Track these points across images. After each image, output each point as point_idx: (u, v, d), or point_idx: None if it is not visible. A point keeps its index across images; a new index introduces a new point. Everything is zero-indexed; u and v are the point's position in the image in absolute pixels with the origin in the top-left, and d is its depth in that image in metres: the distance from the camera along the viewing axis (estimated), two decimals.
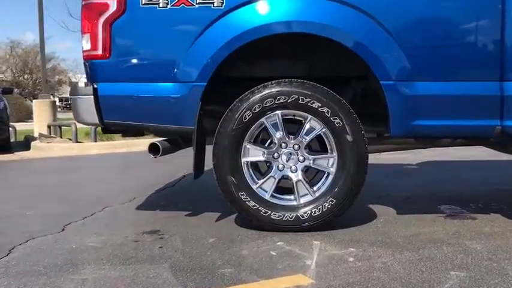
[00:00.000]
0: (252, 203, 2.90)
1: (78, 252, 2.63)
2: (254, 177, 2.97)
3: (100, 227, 3.19)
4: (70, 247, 2.72)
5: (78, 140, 9.52)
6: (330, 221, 2.92)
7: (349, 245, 2.65)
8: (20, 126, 14.65)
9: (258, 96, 2.87)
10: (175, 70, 2.91)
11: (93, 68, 3.00)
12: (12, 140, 10.61)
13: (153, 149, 3.04)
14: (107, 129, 3.33)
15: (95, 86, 3.00)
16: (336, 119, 2.85)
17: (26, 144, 10.39)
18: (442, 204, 3.57)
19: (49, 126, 12.22)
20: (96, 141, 9.35)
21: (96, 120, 3.04)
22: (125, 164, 6.87)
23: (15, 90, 28.09)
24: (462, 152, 6.46)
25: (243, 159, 2.93)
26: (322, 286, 2.08)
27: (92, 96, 2.99)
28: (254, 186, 2.94)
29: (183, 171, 5.17)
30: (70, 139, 9.67)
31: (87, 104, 3.02)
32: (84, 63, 3.08)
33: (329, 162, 2.93)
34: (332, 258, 2.45)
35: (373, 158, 5.98)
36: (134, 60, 2.98)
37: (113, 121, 3.06)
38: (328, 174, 2.93)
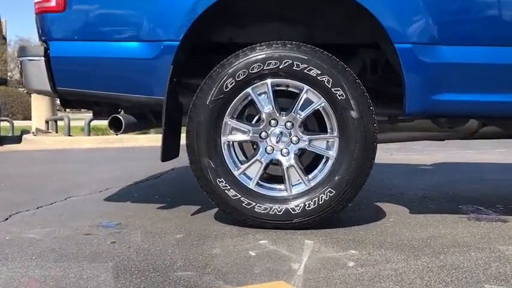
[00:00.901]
0: (232, 193, 2.34)
1: (7, 244, 2.09)
2: (236, 161, 2.42)
3: (51, 217, 2.65)
4: (3, 238, 2.19)
5: (72, 134, 9.05)
6: (328, 217, 2.36)
7: (350, 246, 2.09)
8: (25, 123, 14.31)
9: (243, 60, 2.32)
10: (143, 26, 2.38)
11: (44, 23, 2.46)
12: (10, 134, 10.28)
13: (114, 123, 2.50)
14: (64, 100, 2.79)
15: (47, 45, 2.47)
16: (339, 90, 2.28)
17: (20, 138, 9.97)
18: (463, 205, 2.99)
19: (47, 122, 11.76)
20: (89, 135, 8.87)
21: (47, 87, 2.49)
22: (113, 157, 6.33)
23: (21, 89, 27.87)
24: (482, 155, 5.90)
25: (223, 138, 2.38)
26: None
27: (43, 58, 2.46)
28: (236, 172, 2.38)
29: (176, 164, 4.62)
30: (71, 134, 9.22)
31: (36, 68, 2.48)
32: (35, 19, 2.55)
33: (329, 144, 2.37)
34: (327, 261, 1.88)
35: (385, 158, 5.55)
36: (94, 14, 2.44)
37: (67, 89, 2.51)
38: (328, 158, 2.36)
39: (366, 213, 2.76)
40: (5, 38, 33.83)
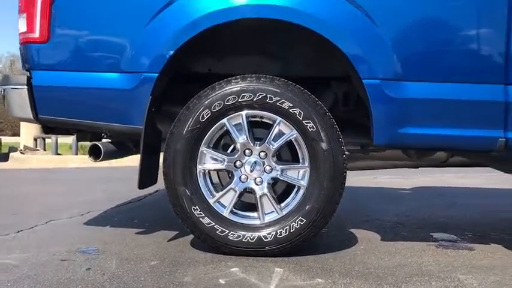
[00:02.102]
0: (206, 220, 2.42)
1: None
2: (212, 189, 2.50)
3: (31, 242, 2.71)
4: None
5: (60, 153, 9.09)
6: (299, 245, 2.44)
7: (317, 274, 2.16)
8: (14, 140, 14.32)
9: (219, 92, 2.42)
10: (123, 58, 2.47)
11: (28, 53, 2.54)
12: None
13: (94, 150, 2.58)
14: (47, 127, 2.87)
15: (30, 74, 2.56)
16: (310, 122, 2.38)
17: (7, 156, 10.00)
18: (435, 232, 3.09)
19: (35, 139, 11.80)
20: (77, 154, 8.91)
21: (29, 115, 2.57)
22: (99, 178, 6.38)
23: None
24: (460, 179, 6.03)
25: (199, 167, 2.46)
26: None
27: (26, 87, 2.55)
28: (211, 200, 2.46)
29: (160, 186, 4.69)
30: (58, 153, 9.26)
31: (19, 96, 2.56)
32: (20, 49, 2.64)
33: (300, 174, 2.46)
34: None
35: (368, 182, 5.65)
36: (76, 46, 2.53)
37: (49, 117, 2.59)
38: (299, 188, 2.46)
39: (338, 240, 2.84)
40: None
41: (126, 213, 3.63)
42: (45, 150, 10.59)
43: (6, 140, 15.00)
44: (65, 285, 1.96)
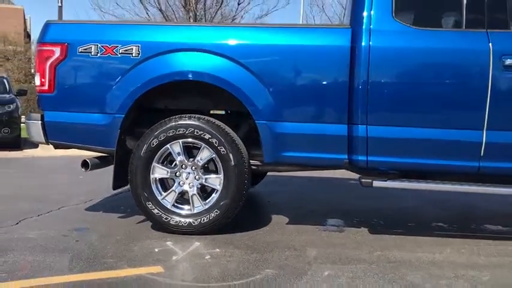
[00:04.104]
0: (156, 211, 3.72)
1: (14, 241, 3.49)
2: (161, 190, 3.79)
3: (46, 223, 4.05)
4: (12, 237, 3.59)
5: None
6: (216, 228, 3.70)
7: (219, 246, 3.44)
8: None
9: (163, 127, 3.69)
10: (102, 104, 3.75)
11: (41, 99, 3.87)
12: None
13: (84, 164, 3.89)
14: (55, 145, 4.19)
15: (43, 113, 3.87)
16: (222, 147, 3.64)
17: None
18: (331, 218, 4.32)
19: None
20: None
21: (43, 140, 3.91)
22: (106, 170, 7.73)
23: None
24: None
25: (152, 176, 3.75)
26: (165, 275, 2.88)
27: (40, 121, 3.87)
28: (159, 198, 3.75)
29: None
30: None
31: (36, 127, 3.90)
32: (36, 96, 3.95)
33: (217, 181, 3.72)
34: (196, 255, 3.26)
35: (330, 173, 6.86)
36: (72, 96, 3.83)
37: (55, 141, 3.94)
38: (217, 190, 3.72)
39: (258, 223, 4.08)
40: (29, 36, 35.03)
41: (116, 201, 4.95)
42: None
43: None
44: (60, 251, 3.29)
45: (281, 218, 4.29)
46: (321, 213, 4.54)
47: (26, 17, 36.32)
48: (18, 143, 10.20)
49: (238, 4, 18.12)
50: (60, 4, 14.97)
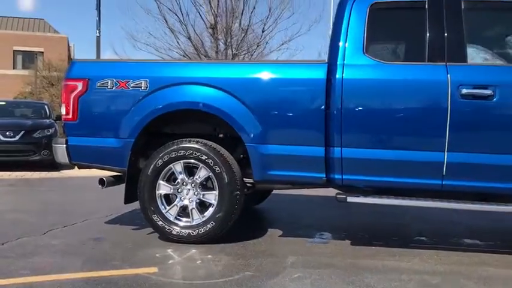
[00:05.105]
0: (160, 223, 4.29)
1: (40, 247, 4.11)
2: (165, 205, 4.36)
3: (70, 233, 4.68)
4: (39, 244, 4.22)
5: None
6: (212, 238, 4.22)
7: (212, 253, 3.96)
8: None
9: (167, 150, 4.28)
10: (116, 130, 4.38)
11: (66, 126, 4.54)
12: None
13: (101, 182, 4.52)
14: (78, 166, 4.84)
15: (67, 138, 4.54)
16: (217, 167, 4.19)
17: None
18: (319, 232, 4.78)
19: None
20: None
21: (67, 161, 4.57)
22: None
23: None
24: None
25: (157, 192, 4.33)
26: (158, 274, 3.42)
27: (65, 145, 4.53)
28: (164, 211, 4.32)
29: None
30: None
31: (61, 150, 4.56)
32: (62, 123, 4.62)
33: (213, 197, 4.26)
34: (190, 259, 3.79)
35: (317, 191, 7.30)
36: (92, 123, 4.48)
37: (78, 162, 4.59)
38: (213, 205, 4.26)
39: (251, 234, 4.58)
40: None
41: (132, 216, 5.54)
42: None
43: None
44: (76, 255, 3.88)
45: (275, 231, 4.78)
46: (315, 228, 5.00)
47: (70, 45, 38.35)
48: (56, 164, 11.04)
49: (263, 32, 18.80)
50: (98, 34, 16.04)
